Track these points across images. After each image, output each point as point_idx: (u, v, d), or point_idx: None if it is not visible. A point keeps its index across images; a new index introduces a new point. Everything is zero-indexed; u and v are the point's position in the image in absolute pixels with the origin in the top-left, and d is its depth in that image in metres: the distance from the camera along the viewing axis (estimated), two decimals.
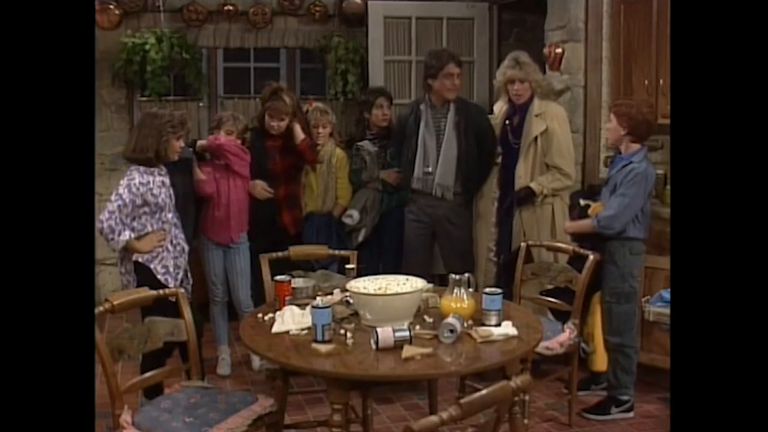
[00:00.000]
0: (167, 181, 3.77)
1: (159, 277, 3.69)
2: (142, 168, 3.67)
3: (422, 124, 4.52)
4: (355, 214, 4.73)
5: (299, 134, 4.59)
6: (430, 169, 4.52)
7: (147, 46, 5.69)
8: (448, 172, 4.52)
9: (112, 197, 3.59)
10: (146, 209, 3.66)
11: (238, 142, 4.48)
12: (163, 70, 5.77)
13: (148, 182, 3.65)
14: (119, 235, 3.56)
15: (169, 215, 3.77)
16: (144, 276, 3.65)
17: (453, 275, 2.97)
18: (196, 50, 6.00)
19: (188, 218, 4.13)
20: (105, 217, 3.55)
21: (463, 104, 4.62)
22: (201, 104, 6.14)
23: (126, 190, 3.59)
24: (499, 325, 2.82)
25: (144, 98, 5.99)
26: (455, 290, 2.93)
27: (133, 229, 3.63)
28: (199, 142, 4.46)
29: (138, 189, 3.61)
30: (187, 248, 3.90)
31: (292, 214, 4.74)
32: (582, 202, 4.10)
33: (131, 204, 3.60)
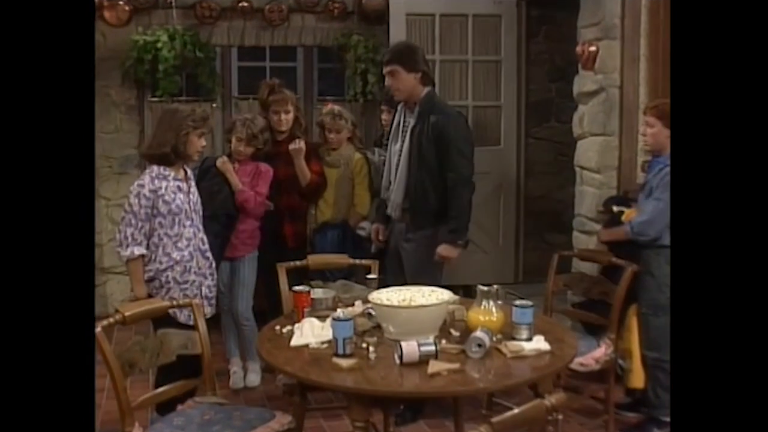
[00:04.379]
0: (184, 186, 3.57)
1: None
2: (156, 170, 3.47)
3: (392, 129, 4.08)
4: (368, 225, 4.53)
5: (305, 174, 4.43)
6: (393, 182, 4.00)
7: (159, 44, 5.56)
8: (399, 187, 3.94)
9: (126, 206, 3.46)
10: (161, 220, 3.46)
11: (249, 150, 4.26)
12: (175, 69, 5.66)
13: (159, 188, 3.44)
14: (126, 248, 3.42)
15: (187, 222, 3.55)
16: None
17: (481, 286, 2.84)
18: (209, 49, 5.86)
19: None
20: (121, 227, 3.45)
21: (428, 107, 3.88)
22: (214, 105, 5.95)
23: (135, 200, 3.42)
24: (530, 339, 2.71)
25: (155, 98, 5.84)
26: (483, 302, 2.80)
27: (147, 246, 3.46)
28: (219, 162, 4.27)
29: (147, 197, 3.42)
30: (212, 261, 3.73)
31: (294, 225, 4.53)
32: (615, 208, 3.96)
33: (144, 215, 3.42)
